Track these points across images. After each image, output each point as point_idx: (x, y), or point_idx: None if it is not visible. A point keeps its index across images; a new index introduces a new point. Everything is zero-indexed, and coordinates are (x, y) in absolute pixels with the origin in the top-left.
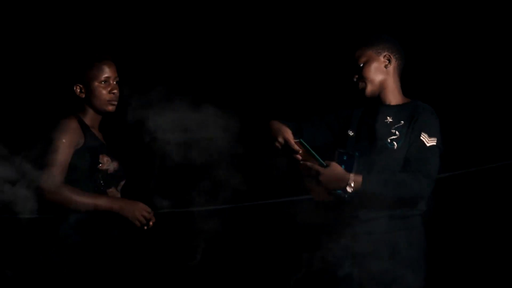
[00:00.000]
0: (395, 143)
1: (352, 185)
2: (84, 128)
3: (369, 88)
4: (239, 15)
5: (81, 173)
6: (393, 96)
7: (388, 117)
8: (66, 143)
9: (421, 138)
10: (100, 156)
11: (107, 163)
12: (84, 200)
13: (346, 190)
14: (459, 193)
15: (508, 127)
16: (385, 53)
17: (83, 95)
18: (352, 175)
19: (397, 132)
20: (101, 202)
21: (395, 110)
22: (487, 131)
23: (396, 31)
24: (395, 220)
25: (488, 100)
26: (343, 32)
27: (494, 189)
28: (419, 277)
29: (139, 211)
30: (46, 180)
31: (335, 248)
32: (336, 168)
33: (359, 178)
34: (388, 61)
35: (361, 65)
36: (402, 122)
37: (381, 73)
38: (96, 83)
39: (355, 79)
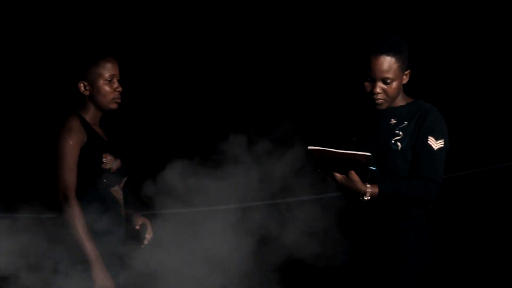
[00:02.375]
0: (399, 144)
1: (369, 197)
2: (86, 126)
3: (387, 105)
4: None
5: (85, 172)
6: (398, 99)
7: (392, 119)
8: (73, 145)
9: (428, 142)
10: (103, 155)
11: (110, 162)
12: (80, 230)
13: (363, 198)
14: (460, 194)
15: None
16: (407, 71)
17: (88, 93)
18: (369, 188)
19: (400, 133)
20: (90, 248)
21: (399, 112)
22: (489, 132)
23: (399, 30)
24: (401, 220)
25: (490, 101)
26: (348, 32)
27: (496, 190)
28: (424, 277)
29: (105, 287)
30: (62, 188)
31: (342, 247)
32: (355, 180)
33: (375, 190)
34: (406, 77)
35: (388, 82)
36: (406, 122)
37: (400, 89)
38: (102, 81)
39: (376, 91)
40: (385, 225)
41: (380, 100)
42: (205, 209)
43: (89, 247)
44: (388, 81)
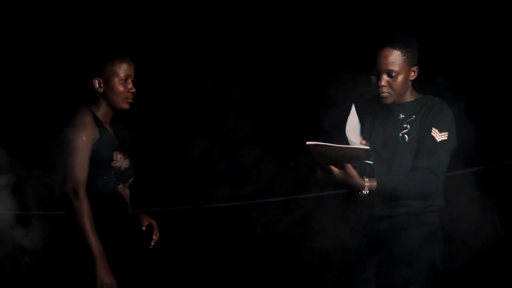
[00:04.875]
0: (406, 136)
1: (368, 191)
2: (98, 122)
3: (392, 99)
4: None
5: (95, 169)
6: (407, 96)
7: (401, 114)
8: (86, 140)
9: (432, 133)
10: (114, 153)
11: (120, 160)
12: (87, 226)
13: (362, 193)
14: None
15: None
16: (415, 67)
17: (101, 90)
18: (367, 182)
19: (408, 126)
20: (95, 243)
21: (407, 107)
22: (500, 129)
23: (406, 25)
24: (411, 216)
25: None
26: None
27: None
28: (435, 274)
29: (106, 284)
30: (72, 182)
31: (352, 246)
32: (352, 174)
33: (374, 183)
34: (414, 73)
35: (393, 74)
36: (414, 116)
37: (406, 85)
38: (117, 80)
39: (381, 84)
40: (395, 222)
41: (385, 94)
42: None
43: (95, 243)
44: (393, 74)
